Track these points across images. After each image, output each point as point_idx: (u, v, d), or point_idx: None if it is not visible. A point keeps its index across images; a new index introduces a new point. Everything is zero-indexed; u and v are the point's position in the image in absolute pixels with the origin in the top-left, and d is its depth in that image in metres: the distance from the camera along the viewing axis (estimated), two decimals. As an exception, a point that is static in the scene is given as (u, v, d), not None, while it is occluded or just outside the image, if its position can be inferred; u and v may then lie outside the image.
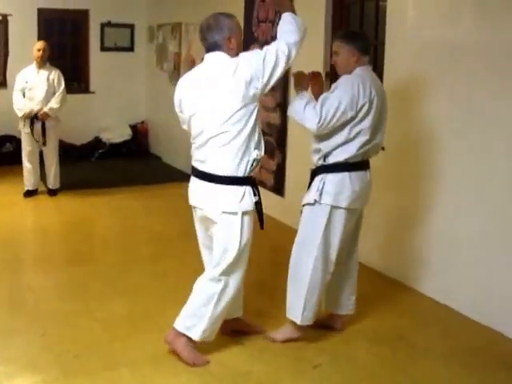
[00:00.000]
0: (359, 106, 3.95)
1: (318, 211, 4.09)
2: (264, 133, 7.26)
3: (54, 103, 7.86)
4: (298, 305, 4.14)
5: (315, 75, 4.30)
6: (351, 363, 4.03)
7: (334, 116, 3.91)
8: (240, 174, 3.75)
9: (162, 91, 10.15)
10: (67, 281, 5.24)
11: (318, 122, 3.91)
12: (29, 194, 8.09)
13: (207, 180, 3.79)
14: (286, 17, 3.82)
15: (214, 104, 3.71)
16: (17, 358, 3.98)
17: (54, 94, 7.93)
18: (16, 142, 9.24)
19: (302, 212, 4.23)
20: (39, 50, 7.80)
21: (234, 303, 4.06)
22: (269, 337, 4.27)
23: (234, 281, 3.91)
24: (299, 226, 4.23)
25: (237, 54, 3.79)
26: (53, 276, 5.43)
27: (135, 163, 10.10)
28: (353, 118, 3.97)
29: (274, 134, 6.94)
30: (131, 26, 10.92)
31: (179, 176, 9.16)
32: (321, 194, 4.05)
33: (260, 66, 3.67)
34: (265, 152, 3.84)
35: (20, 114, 7.85)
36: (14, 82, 8.05)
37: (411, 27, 5.15)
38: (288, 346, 4.20)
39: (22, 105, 7.82)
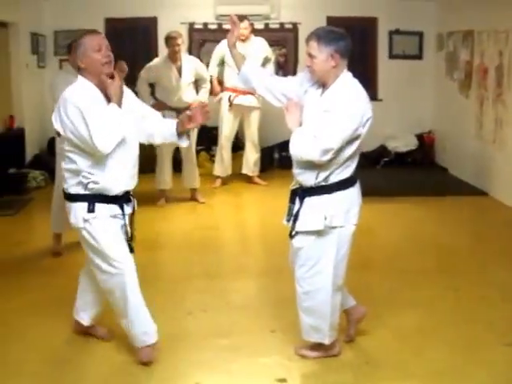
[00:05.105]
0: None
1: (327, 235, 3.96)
2: None
3: None
4: None
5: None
6: None
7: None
8: None
9: (450, 101, 9.98)
10: (360, 284, 5.05)
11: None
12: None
13: None
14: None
15: None
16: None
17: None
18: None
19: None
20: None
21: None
22: None
23: None
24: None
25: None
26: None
27: (420, 173, 9.85)
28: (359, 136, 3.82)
29: None
30: (420, 34, 10.88)
31: (466, 188, 8.89)
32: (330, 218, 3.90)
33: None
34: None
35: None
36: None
37: None
38: None
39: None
